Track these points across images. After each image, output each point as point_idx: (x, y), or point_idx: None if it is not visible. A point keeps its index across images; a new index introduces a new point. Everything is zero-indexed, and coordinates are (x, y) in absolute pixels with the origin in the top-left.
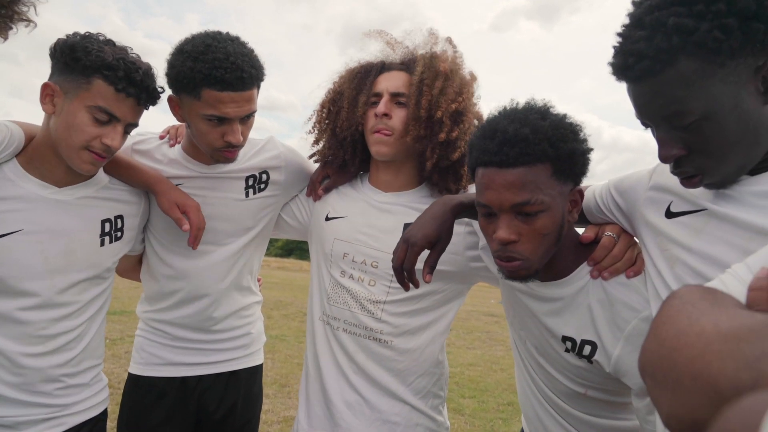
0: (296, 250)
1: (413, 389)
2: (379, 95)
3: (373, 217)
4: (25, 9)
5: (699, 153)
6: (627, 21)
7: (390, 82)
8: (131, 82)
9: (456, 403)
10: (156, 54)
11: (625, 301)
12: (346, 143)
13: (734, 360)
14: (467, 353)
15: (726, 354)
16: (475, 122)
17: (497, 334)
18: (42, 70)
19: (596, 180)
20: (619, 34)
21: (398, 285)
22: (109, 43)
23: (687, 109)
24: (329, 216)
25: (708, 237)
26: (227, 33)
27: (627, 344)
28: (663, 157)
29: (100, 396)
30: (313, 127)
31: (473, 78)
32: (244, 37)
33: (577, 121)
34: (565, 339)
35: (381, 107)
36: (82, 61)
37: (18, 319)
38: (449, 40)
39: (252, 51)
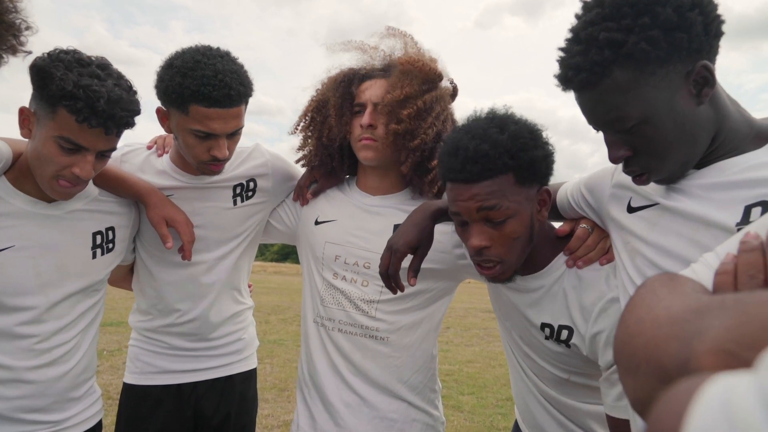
0: (292, 254)
1: (409, 385)
2: (362, 105)
3: (363, 219)
4: (24, 41)
5: (644, 153)
6: (568, 36)
7: (372, 92)
8: (93, 112)
9: (455, 400)
10: (142, 63)
11: (594, 285)
12: (333, 151)
13: (677, 340)
14: (465, 350)
15: (671, 335)
16: (449, 115)
17: (495, 330)
18: (28, 83)
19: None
20: (560, 49)
21: None
22: (80, 63)
23: (626, 115)
24: (319, 220)
25: (662, 229)
26: (217, 48)
27: (595, 325)
28: (612, 159)
29: (93, 408)
30: (294, 129)
31: (435, 70)
32: (230, 43)
33: (538, 125)
34: (543, 326)
35: (366, 119)
36: (47, 89)
37: (13, 333)
38: (406, 34)
39: (241, 67)
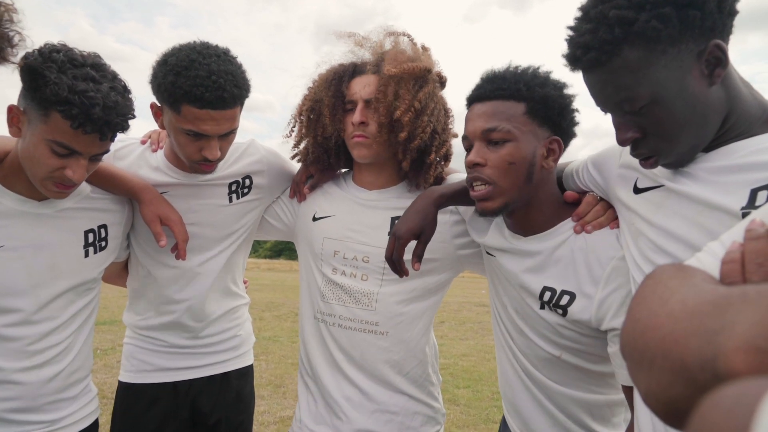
0: (285, 250)
1: (410, 378)
2: (354, 102)
3: (361, 214)
4: (15, 53)
5: (653, 135)
6: (577, 14)
7: (363, 89)
8: (89, 118)
9: (451, 394)
10: (128, 59)
11: (604, 245)
12: (329, 148)
13: (697, 336)
14: (460, 344)
15: (690, 330)
16: (442, 107)
17: (489, 323)
18: (13, 79)
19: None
20: (569, 27)
21: (390, 278)
22: (74, 64)
23: (636, 95)
24: (317, 216)
25: (667, 211)
26: (215, 47)
27: (607, 285)
28: (620, 141)
29: (89, 408)
30: (291, 131)
31: (424, 66)
32: (218, 39)
33: (566, 84)
34: (545, 290)
35: (357, 116)
36: (39, 92)
37: (4, 335)
38: (405, 34)
39: (239, 68)
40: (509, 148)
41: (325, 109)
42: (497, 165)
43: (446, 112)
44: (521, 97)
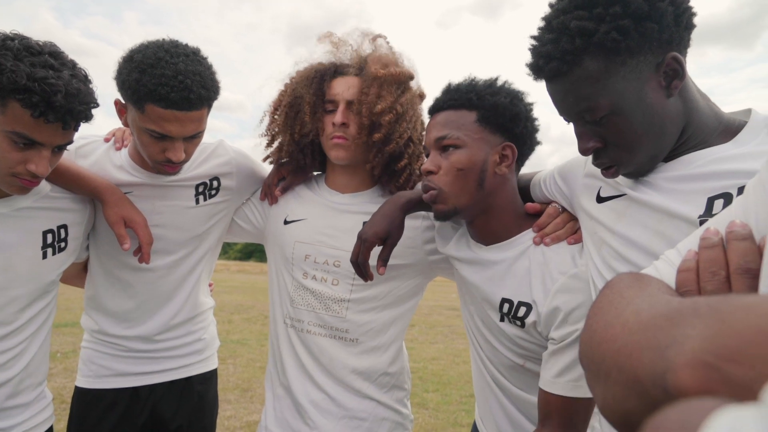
0: (256, 252)
1: (378, 385)
2: (334, 103)
3: (333, 218)
4: None
5: (613, 145)
6: (541, 24)
7: (345, 90)
8: (50, 107)
9: (420, 398)
10: (95, 54)
11: (558, 261)
12: (305, 148)
13: (650, 349)
14: (430, 348)
15: (644, 344)
16: (420, 119)
17: (459, 327)
18: None
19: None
20: (533, 37)
21: (361, 283)
22: (30, 52)
23: (596, 105)
24: (288, 219)
25: (628, 220)
26: (185, 46)
27: (554, 299)
28: (582, 150)
29: (43, 414)
30: (267, 130)
31: (409, 73)
32: (188, 38)
33: (522, 92)
34: (503, 302)
35: (339, 117)
36: None
37: None
38: (383, 36)
39: (208, 68)
40: (458, 155)
41: (306, 107)
42: (447, 171)
43: (423, 125)
44: (472, 105)
